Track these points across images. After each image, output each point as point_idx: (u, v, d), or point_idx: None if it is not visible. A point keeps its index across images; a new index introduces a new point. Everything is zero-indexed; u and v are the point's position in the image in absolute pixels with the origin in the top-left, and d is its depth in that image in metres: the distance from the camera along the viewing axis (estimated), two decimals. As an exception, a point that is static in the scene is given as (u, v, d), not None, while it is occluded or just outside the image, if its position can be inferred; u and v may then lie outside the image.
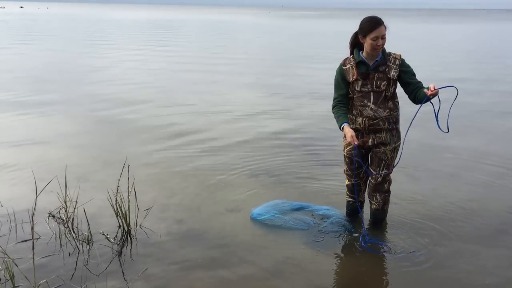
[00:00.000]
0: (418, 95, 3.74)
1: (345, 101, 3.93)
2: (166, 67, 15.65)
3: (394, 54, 3.85)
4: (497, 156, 6.43)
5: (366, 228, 4.13)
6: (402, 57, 3.85)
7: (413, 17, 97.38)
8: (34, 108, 9.03)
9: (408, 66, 3.85)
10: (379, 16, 3.83)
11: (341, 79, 3.91)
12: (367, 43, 3.74)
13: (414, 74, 3.85)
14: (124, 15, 76.19)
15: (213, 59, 18.28)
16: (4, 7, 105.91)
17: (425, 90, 3.63)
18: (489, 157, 6.35)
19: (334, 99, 3.97)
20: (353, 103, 3.92)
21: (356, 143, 3.73)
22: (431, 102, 3.73)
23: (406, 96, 3.90)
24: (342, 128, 3.81)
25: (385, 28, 3.73)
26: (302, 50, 22.30)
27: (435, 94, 3.58)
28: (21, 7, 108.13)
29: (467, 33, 41.18)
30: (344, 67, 3.89)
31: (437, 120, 3.83)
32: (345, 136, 4.05)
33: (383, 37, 3.71)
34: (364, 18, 3.82)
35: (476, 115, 8.94)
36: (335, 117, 3.92)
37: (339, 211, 4.45)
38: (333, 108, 3.96)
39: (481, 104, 10.01)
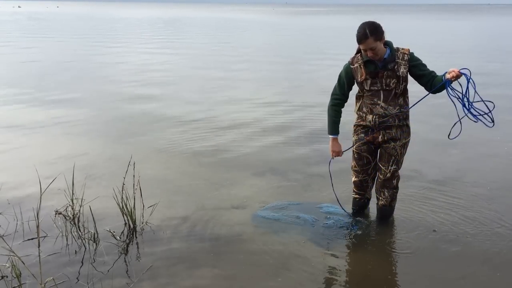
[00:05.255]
0: (434, 82, 3.70)
1: (344, 100, 3.98)
2: (176, 63, 15.64)
3: (402, 49, 3.81)
4: (504, 151, 6.39)
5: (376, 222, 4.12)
6: (410, 51, 3.80)
7: (418, 12, 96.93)
8: (40, 105, 9.07)
9: (417, 59, 3.79)
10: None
11: (347, 78, 3.89)
12: None
13: (425, 65, 3.79)
14: (130, 14, 76.29)
15: (225, 56, 18.27)
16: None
17: (443, 76, 3.59)
18: (495, 153, 6.31)
19: (334, 95, 3.98)
20: (364, 101, 3.90)
21: (332, 157, 4.06)
22: (451, 87, 3.58)
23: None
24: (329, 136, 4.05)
25: (376, 38, 3.62)
26: (313, 47, 22.24)
27: (456, 76, 3.50)
28: (19, 6, 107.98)
29: (474, 28, 40.94)
30: (352, 66, 3.85)
31: (468, 107, 3.61)
32: (354, 131, 4.04)
33: (372, 49, 3.64)
34: (358, 26, 3.73)
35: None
36: (328, 118, 4.02)
37: (345, 208, 4.44)
38: (331, 105, 4.00)
39: (488, 98, 9.94)
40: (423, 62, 3.81)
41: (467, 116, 3.63)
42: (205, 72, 13.79)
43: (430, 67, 3.82)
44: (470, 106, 3.61)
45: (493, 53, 19.61)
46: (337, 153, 4.06)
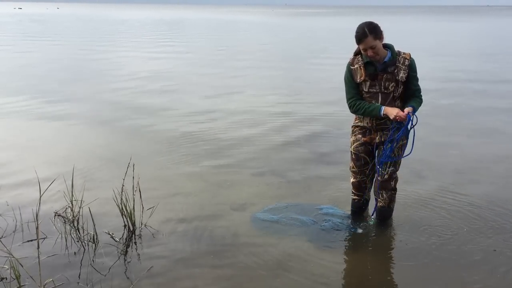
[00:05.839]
0: (407, 102, 3.80)
1: (360, 98, 3.87)
2: (177, 66, 15.63)
3: (404, 53, 3.81)
4: (503, 153, 6.39)
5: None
6: (411, 57, 3.80)
7: (418, 14, 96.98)
8: (40, 108, 9.06)
9: (415, 71, 3.80)
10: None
11: (352, 78, 3.88)
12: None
13: (417, 80, 3.84)
14: (131, 15, 76.37)
15: (228, 59, 18.28)
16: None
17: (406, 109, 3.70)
18: (495, 154, 6.31)
19: (350, 98, 3.87)
20: None
21: (406, 112, 3.65)
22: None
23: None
24: (382, 112, 3.73)
25: (376, 37, 3.62)
26: (314, 48, 22.25)
27: (403, 119, 3.66)
28: (20, 8, 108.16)
29: (473, 30, 40.96)
30: (352, 67, 3.85)
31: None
32: (352, 132, 4.04)
33: (372, 47, 3.64)
34: (356, 27, 3.73)
35: (482, 113, 8.89)
36: (364, 111, 3.80)
37: (343, 209, 4.44)
38: (353, 106, 3.85)
39: (488, 102, 9.96)
40: (418, 74, 3.84)
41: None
42: (207, 75, 13.76)
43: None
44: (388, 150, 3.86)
45: (493, 55, 19.61)
46: (399, 113, 3.66)
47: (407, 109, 3.67)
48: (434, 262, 3.63)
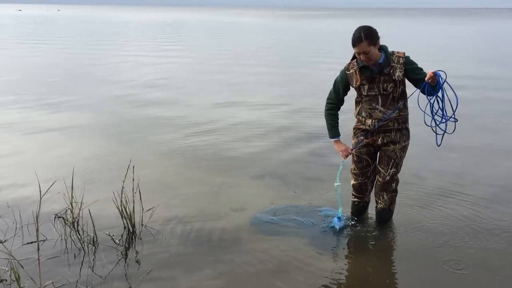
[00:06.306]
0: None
1: (338, 105, 4.04)
2: (180, 73, 15.60)
3: (398, 52, 3.81)
4: (504, 155, 6.39)
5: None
6: (406, 55, 3.79)
7: (419, 16, 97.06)
8: (40, 110, 9.08)
9: (413, 63, 3.77)
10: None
11: (342, 83, 3.92)
12: None
13: (421, 69, 3.76)
14: (132, 17, 76.46)
15: (229, 61, 18.29)
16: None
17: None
18: (495, 156, 6.31)
19: (329, 100, 4.04)
20: (362, 105, 3.92)
21: (347, 153, 3.98)
22: (438, 97, 3.66)
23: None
24: (332, 141, 4.05)
25: (371, 43, 3.61)
26: (311, 52, 22.26)
27: (431, 78, 3.54)
28: (20, 10, 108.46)
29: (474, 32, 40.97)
30: (348, 72, 3.88)
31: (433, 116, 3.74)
32: (354, 134, 4.05)
33: (365, 53, 3.64)
34: (354, 30, 3.74)
35: (482, 114, 8.89)
36: (326, 124, 4.07)
37: (343, 212, 4.43)
38: (326, 110, 4.07)
39: (487, 103, 9.96)
40: (419, 66, 3.79)
41: (433, 125, 3.76)
42: (209, 81, 13.73)
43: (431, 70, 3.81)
44: (434, 116, 3.73)
45: (494, 57, 19.62)
46: (345, 151, 4.00)
47: (430, 72, 3.56)
48: (434, 264, 3.63)
